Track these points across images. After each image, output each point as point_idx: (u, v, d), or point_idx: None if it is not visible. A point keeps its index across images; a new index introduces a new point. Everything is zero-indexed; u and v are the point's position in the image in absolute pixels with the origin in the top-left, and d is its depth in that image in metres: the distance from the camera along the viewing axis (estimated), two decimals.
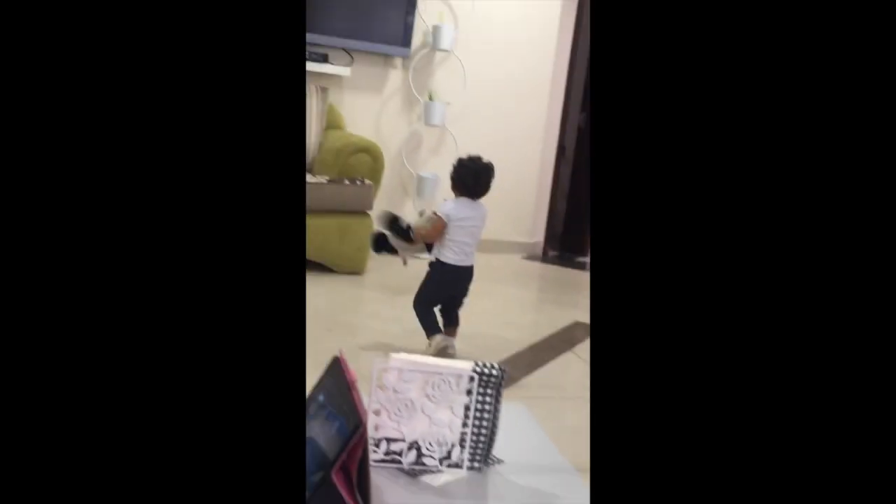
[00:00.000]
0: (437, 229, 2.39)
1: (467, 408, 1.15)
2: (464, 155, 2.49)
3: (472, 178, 2.41)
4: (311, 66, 3.81)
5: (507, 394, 1.21)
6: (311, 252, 3.32)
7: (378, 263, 3.59)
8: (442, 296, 2.48)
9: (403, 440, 1.14)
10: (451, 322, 2.53)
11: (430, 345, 2.43)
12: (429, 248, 2.51)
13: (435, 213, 2.41)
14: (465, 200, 2.41)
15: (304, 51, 2.81)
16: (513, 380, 2.37)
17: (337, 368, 1.15)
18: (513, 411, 1.34)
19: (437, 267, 2.43)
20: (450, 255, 2.40)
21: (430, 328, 2.48)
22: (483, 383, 1.15)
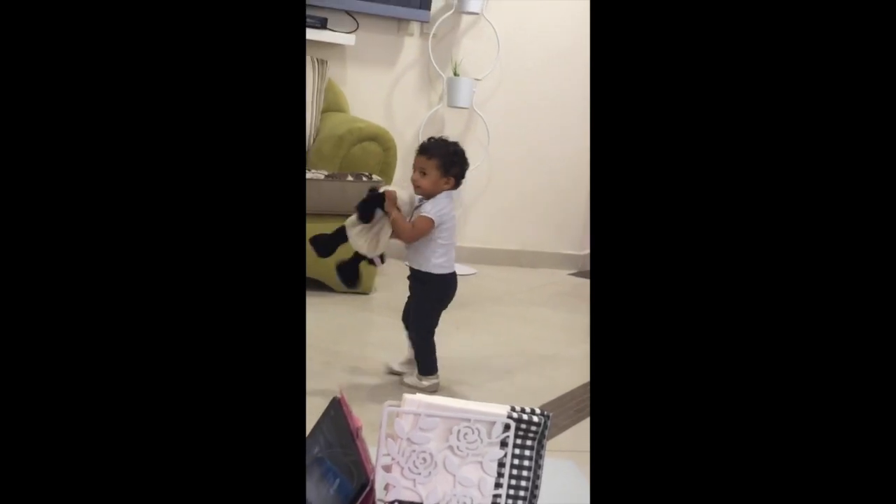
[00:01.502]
0: (421, 231, 2.45)
1: (501, 464, 1.14)
2: (436, 138, 2.55)
3: (462, 163, 2.51)
4: (306, 34, 3.86)
5: (551, 446, 1.21)
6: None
7: (389, 280, 3.58)
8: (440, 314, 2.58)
9: (421, 503, 1.15)
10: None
11: (421, 384, 2.53)
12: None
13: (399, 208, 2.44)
14: (448, 194, 2.50)
15: (304, 16, 2.82)
16: (559, 428, 2.38)
17: (337, 412, 1.16)
18: (559, 469, 1.33)
19: (433, 280, 2.50)
20: (444, 262, 2.50)
21: (433, 364, 2.56)
22: (521, 433, 1.15)
